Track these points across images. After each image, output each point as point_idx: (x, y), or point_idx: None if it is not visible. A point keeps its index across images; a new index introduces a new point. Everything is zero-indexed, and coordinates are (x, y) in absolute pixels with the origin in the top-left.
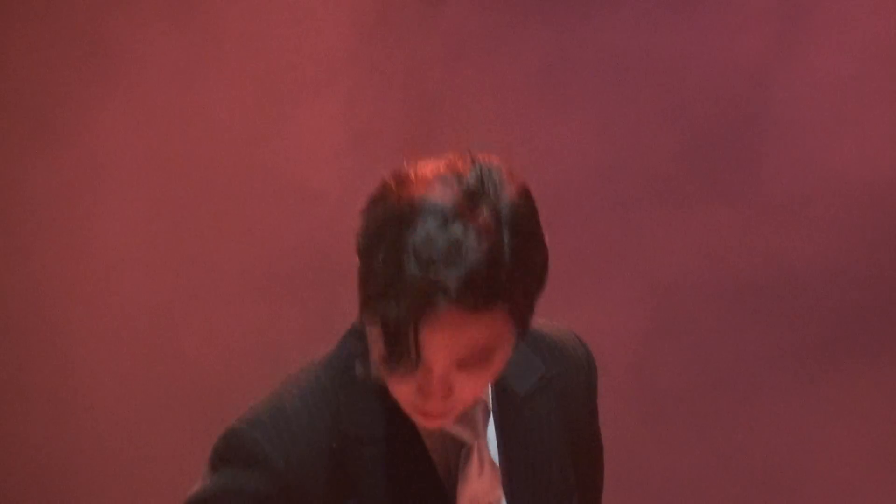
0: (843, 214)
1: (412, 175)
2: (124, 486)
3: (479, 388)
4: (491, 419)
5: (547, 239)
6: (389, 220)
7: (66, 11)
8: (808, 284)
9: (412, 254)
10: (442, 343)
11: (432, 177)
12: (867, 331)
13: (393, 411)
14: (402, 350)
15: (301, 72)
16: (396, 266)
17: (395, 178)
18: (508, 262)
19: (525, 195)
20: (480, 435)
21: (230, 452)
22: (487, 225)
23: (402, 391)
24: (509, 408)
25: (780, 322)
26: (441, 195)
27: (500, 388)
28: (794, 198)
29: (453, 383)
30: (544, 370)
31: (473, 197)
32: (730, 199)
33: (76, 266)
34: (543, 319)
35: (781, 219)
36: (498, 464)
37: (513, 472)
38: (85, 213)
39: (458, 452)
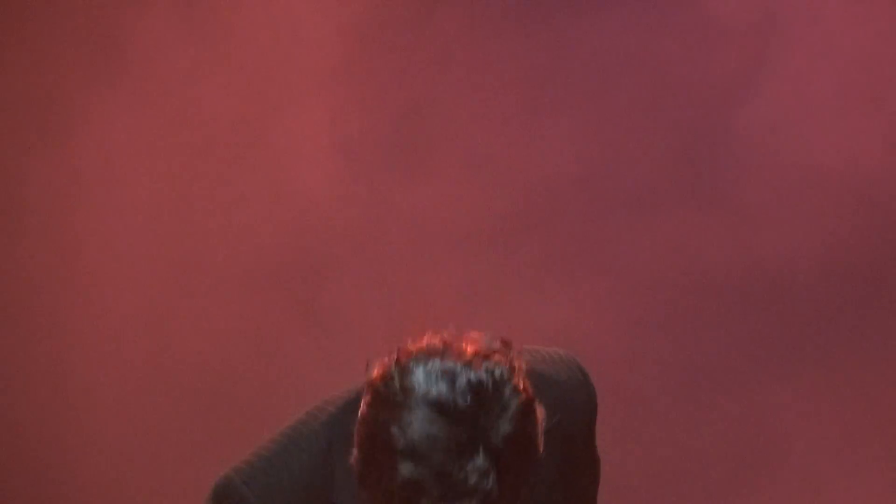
0: (819, 217)
1: (412, 384)
2: (120, 476)
3: None
4: None
5: (541, 424)
6: (383, 445)
7: (70, 8)
8: (784, 284)
9: (399, 498)
10: None
11: (431, 400)
12: (843, 327)
13: None
14: None
15: (291, 77)
16: (386, 500)
17: (401, 382)
18: (498, 496)
19: (526, 414)
20: None
21: (225, 498)
22: (480, 469)
23: None
24: None
25: (757, 321)
26: (434, 435)
27: None
28: (771, 200)
29: None
30: (545, 417)
31: (469, 433)
32: (709, 201)
33: (73, 260)
34: (545, 352)
35: (759, 221)
36: None
37: None
38: (82, 208)
39: None
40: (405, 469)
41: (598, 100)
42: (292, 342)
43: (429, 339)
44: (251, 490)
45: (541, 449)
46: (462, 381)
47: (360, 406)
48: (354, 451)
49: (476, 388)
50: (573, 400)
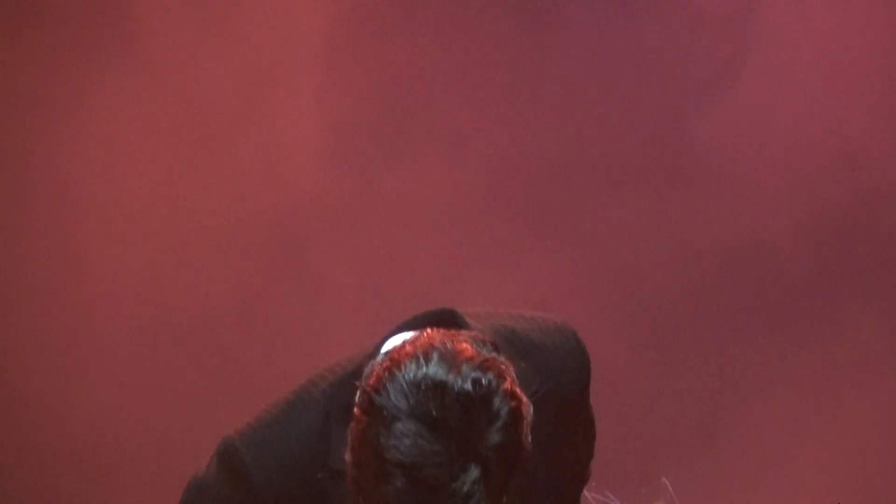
0: (797, 192)
1: (403, 398)
2: (119, 447)
3: None
4: None
5: (529, 419)
6: (376, 457)
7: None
8: (762, 256)
9: None
10: None
11: (422, 415)
12: (823, 295)
13: None
14: None
15: (283, 62)
16: None
17: (392, 395)
18: (486, 498)
19: (515, 422)
20: None
21: (226, 460)
22: (471, 479)
23: None
24: None
25: (740, 294)
26: (425, 450)
27: None
28: (753, 176)
29: None
30: (538, 384)
31: (459, 446)
32: (690, 181)
33: (72, 234)
34: (540, 319)
35: (738, 197)
36: None
37: None
38: (82, 185)
39: None
40: (398, 481)
41: (582, 82)
42: (283, 311)
43: (420, 342)
44: (249, 452)
45: (528, 450)
46: (452, 394)
47: (357, 381)
48: (348, 454)
49: (465, 401)
50: (567, 366)
